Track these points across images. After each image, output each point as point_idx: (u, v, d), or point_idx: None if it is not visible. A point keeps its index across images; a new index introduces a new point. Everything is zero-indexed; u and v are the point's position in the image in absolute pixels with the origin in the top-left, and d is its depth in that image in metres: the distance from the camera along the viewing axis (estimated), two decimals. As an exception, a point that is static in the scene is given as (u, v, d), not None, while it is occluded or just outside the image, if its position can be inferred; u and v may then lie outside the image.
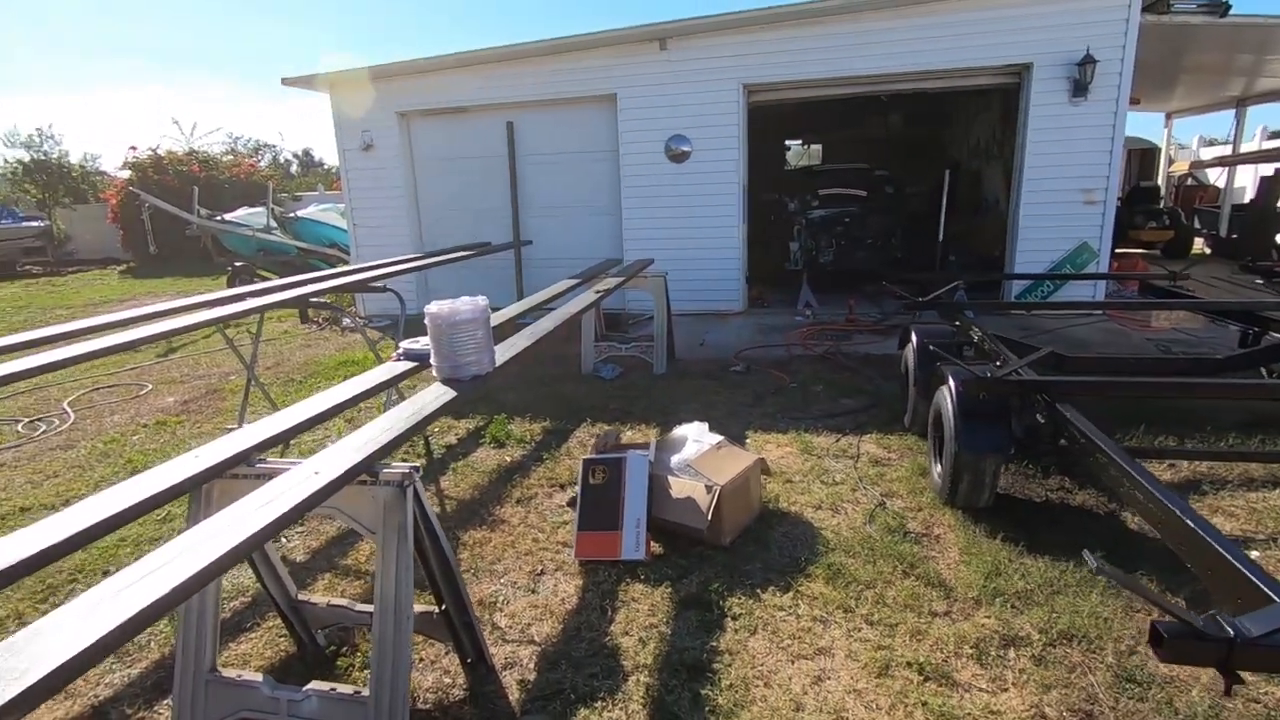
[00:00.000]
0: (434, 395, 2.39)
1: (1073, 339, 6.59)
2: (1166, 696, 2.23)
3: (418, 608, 2.22)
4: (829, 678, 2.37)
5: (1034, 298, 7.87)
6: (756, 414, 5.07)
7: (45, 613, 2.86)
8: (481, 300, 2.56)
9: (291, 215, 13.28)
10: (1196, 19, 7.35)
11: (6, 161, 23.46)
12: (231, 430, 4.65)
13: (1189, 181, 15.88)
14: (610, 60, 8.31)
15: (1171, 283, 5.76)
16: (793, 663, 2.45)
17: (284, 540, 3.43)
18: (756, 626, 2.64)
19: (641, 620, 2.70)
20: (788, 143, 16.54)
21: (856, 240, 9.71)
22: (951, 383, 3.32)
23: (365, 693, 2.01)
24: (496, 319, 3.34)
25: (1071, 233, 7.60)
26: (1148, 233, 12.08)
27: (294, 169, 37.32)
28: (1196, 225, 13.53)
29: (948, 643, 2.50)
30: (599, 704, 2.29)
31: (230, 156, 23.45)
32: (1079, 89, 7.18)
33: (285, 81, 9.23)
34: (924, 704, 2.23)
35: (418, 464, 2.07)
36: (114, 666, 2.57)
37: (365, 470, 1.95)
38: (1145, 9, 7.08)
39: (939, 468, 3.62)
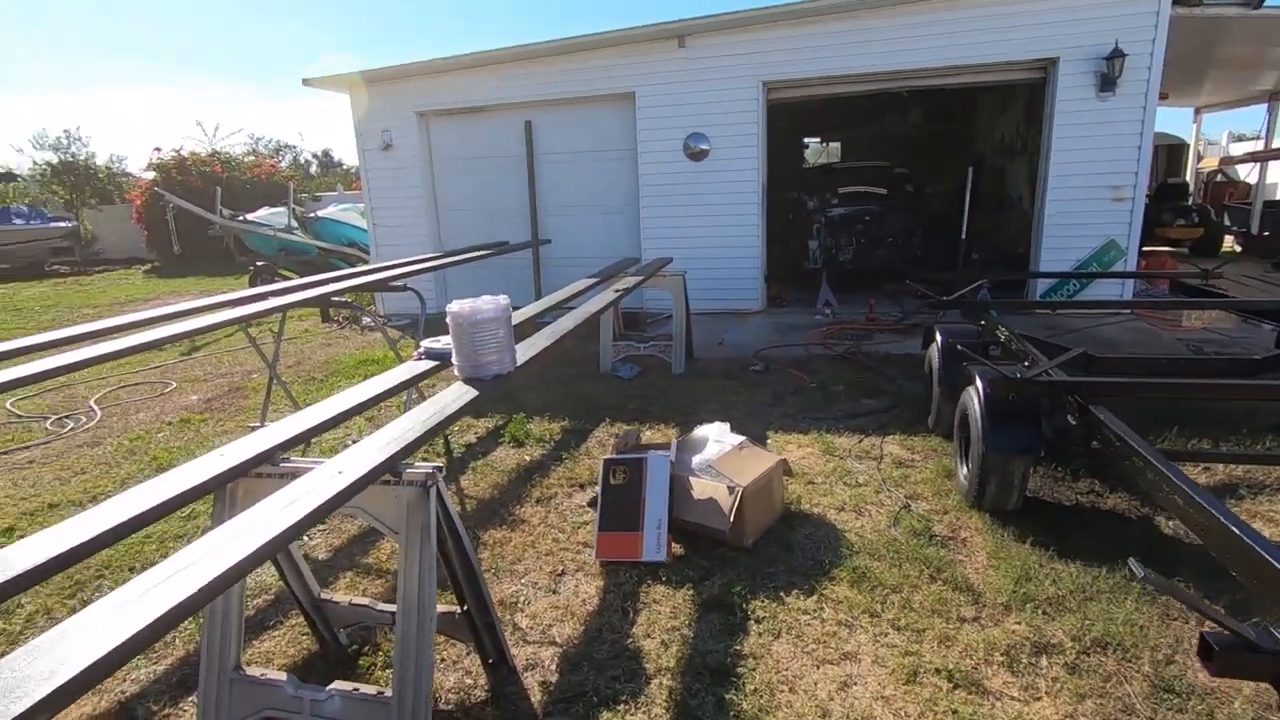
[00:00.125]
0: (456, 395, 2.38)
1: (1101, 339, 6.45)
2: (1207, 709, 2.16)
3: (440, 608, 2.20)
4: (855, 684, 2.33)
5: (1059, 297, 7.72)
6: (776, 414, 5.02)
7: (73, 609, 2.92)
8: (503, 299, 2.54)
9: (312, 215, 13.41)
10: (1230, 11, 7.16)
11: (35, 163, 23.96)
12: (255, 428, 4.70)
13: (1219, 178, 15.52)
14: (628, 59, 8.28)
15: (1204, 281, 5.62)
16: (818, 668, 2.41)
17: (306, 538, 3.45)
18: (780, 630, 2.60)
19: (663, 622, 2.68)
20: (806, 140, 16.42)
21: (876, 238, 9.60)
22: (979, 383, 3.25)
23: (388, 693, 2.00)
24: (516, 318, 3.32)
25: (1098, 230, 7.45)
26: (1176, 230, 11.83)
27: (313, 169, 37.72)
28: (1227, 222, 13.21)
29: (977, 649, 2.45)
30: (622, 707, 2.26)
31: (251, 157, 23.75)
32: (1107, 83, 7.03)
33: (307, 82, 9.30)
34: (954, 712, 2.18)
35: (440, 464, 2.06)
36: (140, 663, 2.59)
37: (388, 470, 1.94)
38: (1176, 2, 6.92)
39: (965, 470, 3.56)
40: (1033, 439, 3.09)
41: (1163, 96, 7.81)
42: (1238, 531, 1.84)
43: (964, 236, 8.34)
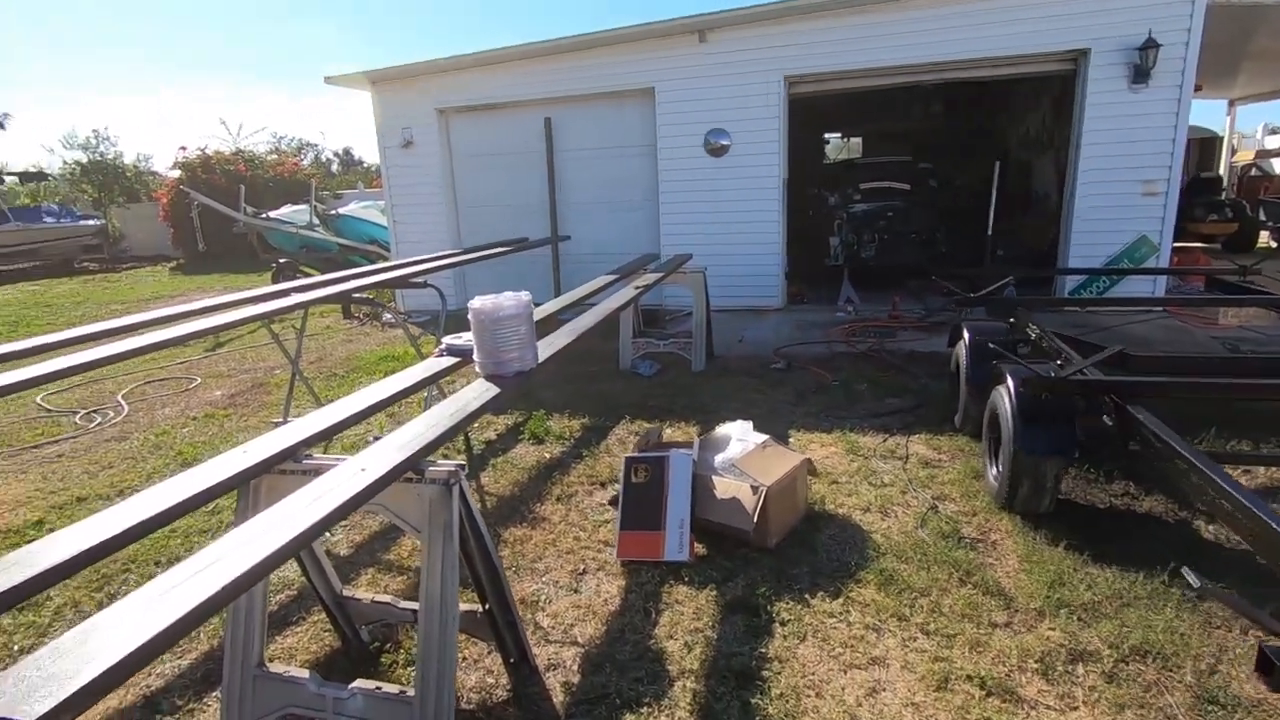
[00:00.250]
0: (477, 392, 2.36)
1: (1132, 336, 6.28)
2: (1254, 721, 2.08)
3: (461, 606, 2.19)
4: (884, 689, 2.28)
5: (1088, 294, 7.55)
6: (799, 413, 4.95)
7: (100, 602, 2.94)
8: (525, 295, 2.52)
9: (333, 213, 13.53)
10: (1269, -1, 6.94)
11: (65, 163, 24.45)
12: (278, 424, 4.73)
13: (1253, 172, 15.12)
14: (648, 53, 8.22)
15: (1241, 278, 5.45)
16: (845, 672, 2.36)
17: (328, 534, 3.45)
18: (806, 633, 2.55)
19: (686, 624, 2.64)
20: (826, 136, 16.24)
21: (899, 235, 9.46)
22: (1010, 382, 3.17)
23: (410, 692, 1.99)
24: (537, 315, 3.30)
25: (1129, 225, 7.26)
26: (1208, 225, 11.53)
27: (334, 167, 38.09)
28: (1262, 217, 12.85)
29: (1010, 656, 2.38)
30: (645, 710, 2.23)
31: (274, 155, 24.02)
32: (1140, 75, 6.84)
33: (328, 80, 9.36)
34: (987, 720, 2.12)
35: (462, 462, 2.04)
36: (165, 657, 2.60)
37: (411, 468, 1.92)
38: (1212, -11, 6.72)
39: (995, 471, 3.48)
40: (1067, 440, 3.00)
41: (1196, 88, 7.59)
42: (1291, 538, 1.76)
43: (990, 233, 8.17)
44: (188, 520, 3.57)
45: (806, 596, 2.76)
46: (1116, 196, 7.20)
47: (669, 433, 4.58)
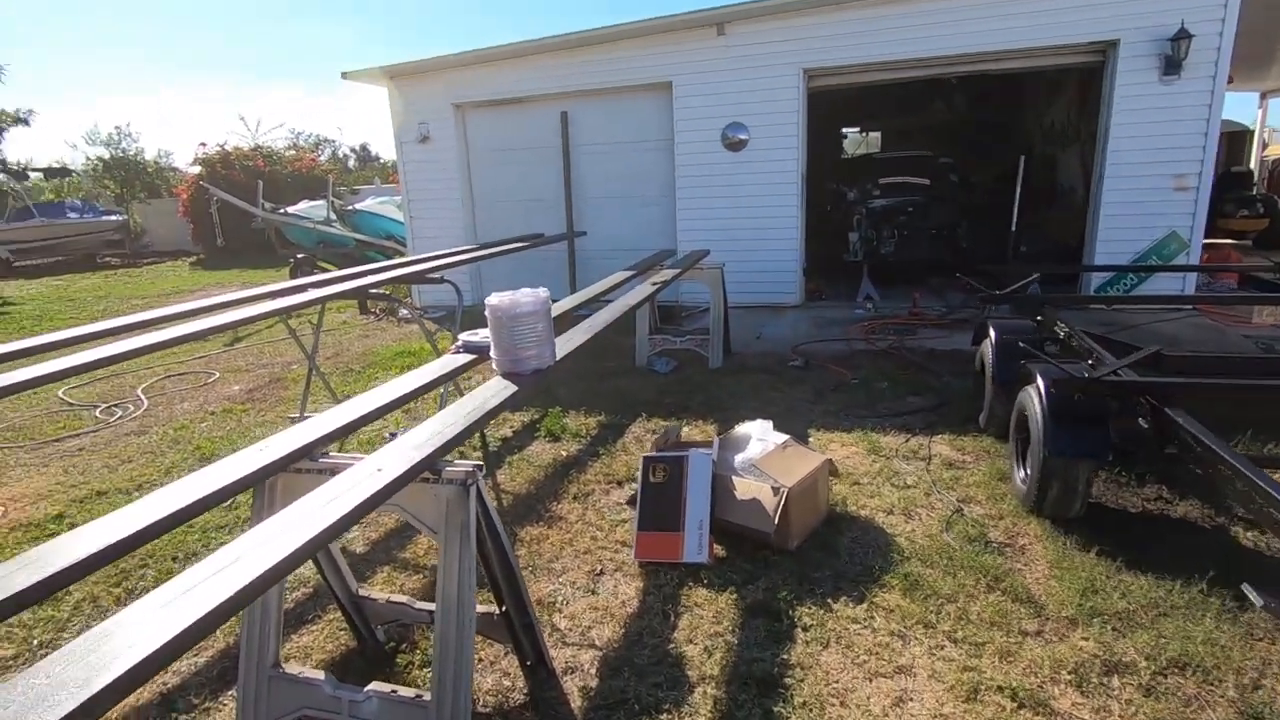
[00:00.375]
0: (495, 390, 2.31)
1: (1162, 335, 6.12)
2: (1302, 739, 1.99)
3: (478, 608, 2.15)
4: (911, 699, 2.21)
5: (1115, 291, 7.38)
6: (818, 411, 4.87)
7: (118, 597, 2.94)
8: (542, 292, 2.47)
9: (350, 208, 13.57)
10: (1308, -14, 6.72)
11: (88, 159, 24.80)
12: (294, 419, 4.73)
13: (1285, 166, 14.72)
14: (666, 47, 8.14)
15: (1277, 275, 5.28)
16: (870, 681, 2.29)
17: (344, 533, 3.44)
18: (829, 639, 2.49)
19: (706, 628, 2.58)
20: (845, 130, 16.04)
21: (919, 230, 9.31)
22: (1041, 382, 3.07)
23: (426, 696, 1.95)
24: (554, 311, 3.25)
25: (1159, 221, 7.08)
26: (1238, 221, 11.25)
27: (352, 163, 38.32)
28: (1295, 213, 12.52)
29: (1042, 666, 2.30)
30: (665, 717, 2.18)
31: (292, 151, 24.19)
32: (1171, 66, 6.66)
33: (345, 75, 9.38)
34: (1019, 734, 2.05)
35: (479, 462, 2.00)
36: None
37: (428, 468, 1.88)
38: (1248, -22, 6.51)
39: (1023, 473, 3.38)
40: (1100, 442, 2.91)
41: (1228, 80, 7.38)
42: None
43: (1014, 229, 8.01)
44: (205, 515, 3.56)
45: (829, 601, 2.70)
46: (1145, 192, 7.03)
47: (687, 431, 4.52)
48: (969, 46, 7.25)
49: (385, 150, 39.12)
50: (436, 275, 5.06)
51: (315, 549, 1.50)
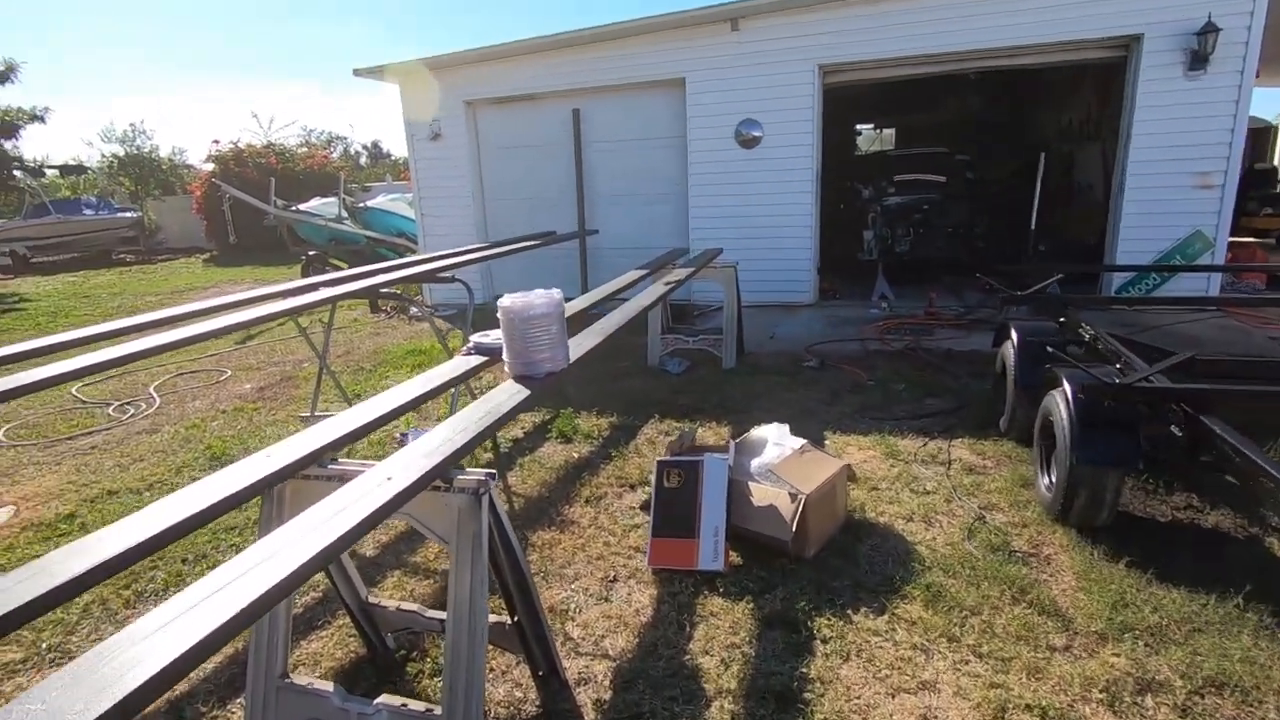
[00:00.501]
0: (507, 395, 2.26)
1: (1185, 337, 5.99)
2: (1349, 766, 1.90)
3: (490, 618, 2.10)
4: (936, 717, 2.13)
5: (1136, 291, 7.23)
6: (834, 413, 4.79)
7: (127, 599, 2.91)
8: (556, 293, 2.41)
9: (361, 205, 13.57)
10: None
11: (104, 156, 25.01)
12: (305, 418, 4.69)
13: (1310, 164, 14.43)
14: (679, 43, 8.05)
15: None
16: (893, 697, 2.22)
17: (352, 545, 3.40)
18: (849, 652, 2.42)
19: (722, 639, 2.52)
20: (858, 127, 15.87)
21: (935, 228, 9.19)
22: (1068, 387, 2.98)
23: (437, 710, 1.90)
24: (567, 312, 3.20)
25: (1183, 220, 6.93)
26: (1263, 220, 11.03)
27: (363, 160, 38.46)
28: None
29: (1072, 684, 2.22)
30: (681, 732, 2.12)
31: (304, 149, 24.28)
32: (1197, 61, 6.50)
33: (357, 72, 9.35)
34: (1050, 756, 1.97)
35: (492, 471, 1.94)
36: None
37: (439, 476, 1.83)
38: (1277, -31, 6.35)
39: (1047, 480, 3.30)
40: (1130, 450, 2.81)
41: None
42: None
43: (1033, 227, 7.87)
44: (215, 517, 3.54)
45: (849, 612, 2.63)
46: (1169, 190, 6.88)
47: (700, 433, 4.45)
48: (987, 41, 7.12)
49: (397, 147, 39.26)
50: (448, 274, 5.01)
51: (322, 564, 1.45)
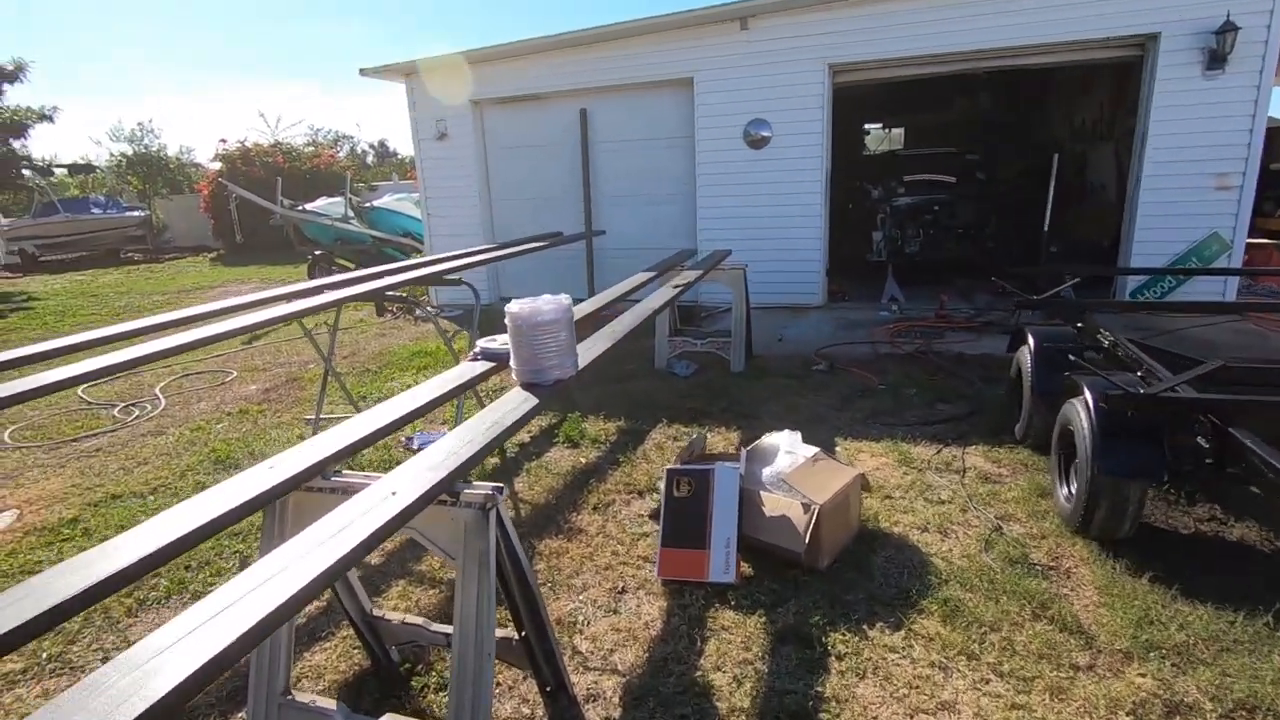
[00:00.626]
0: (515, 403, 2.20)
1: (1203, 342, 5.89)
2: (1391, 796, 1.83)
3: (497, 633, 2.04)
4: (957, 740, 2.07)
5: (1151, 295, 7.12)
6: (844, 418, 4.72)
7: (130, 608, 2.86)
8: (564, 299, 2.35)
9: (368, 205, 13.56)
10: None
11: (112, 155, 25.09)
12: (310, 421, 4.64)
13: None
14: (687, 42, 7.98)
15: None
16: (911, 718, 2.16)
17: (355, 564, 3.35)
18: (865, 669, 2.35)
19: (735, 654, 2.46)
20: (867, 126, 15.75)
21: (946, 229, 9.09)
22: (1089, 396, 2.90)
23: (442, 731, 1.84)
24: (574, 315, 3.14)
25: (1199, 222, 6.82)
26: (1278, 221, 10.86)
27: (370, 159, 38.51)
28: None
29: (1097, 705, 2.15)
30: (693, 753, 2.06)
31: (311, 148, 24.29)
32: (1216, 60, 6.40)
33: (363, 72, 9.31)
34: (1076, 782, 1.90)
35: (499, 484, 1.88)
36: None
37: (445, 490, 1.77)
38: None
39: (1065, 490, 3.22)
40: (1154, 461, 2.73)
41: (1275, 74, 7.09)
42: None
43: (1046, 228, 7.76)
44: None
45: (864, 627, 2.56)
46: (1185, 191, 6.77)
47: (710, 440, 4.39)
48: (1000, 40, 7.03)
49: (403, 146, 39.30)
50: (454, 277, 4.95)
51: (326, 583, 1.40)
